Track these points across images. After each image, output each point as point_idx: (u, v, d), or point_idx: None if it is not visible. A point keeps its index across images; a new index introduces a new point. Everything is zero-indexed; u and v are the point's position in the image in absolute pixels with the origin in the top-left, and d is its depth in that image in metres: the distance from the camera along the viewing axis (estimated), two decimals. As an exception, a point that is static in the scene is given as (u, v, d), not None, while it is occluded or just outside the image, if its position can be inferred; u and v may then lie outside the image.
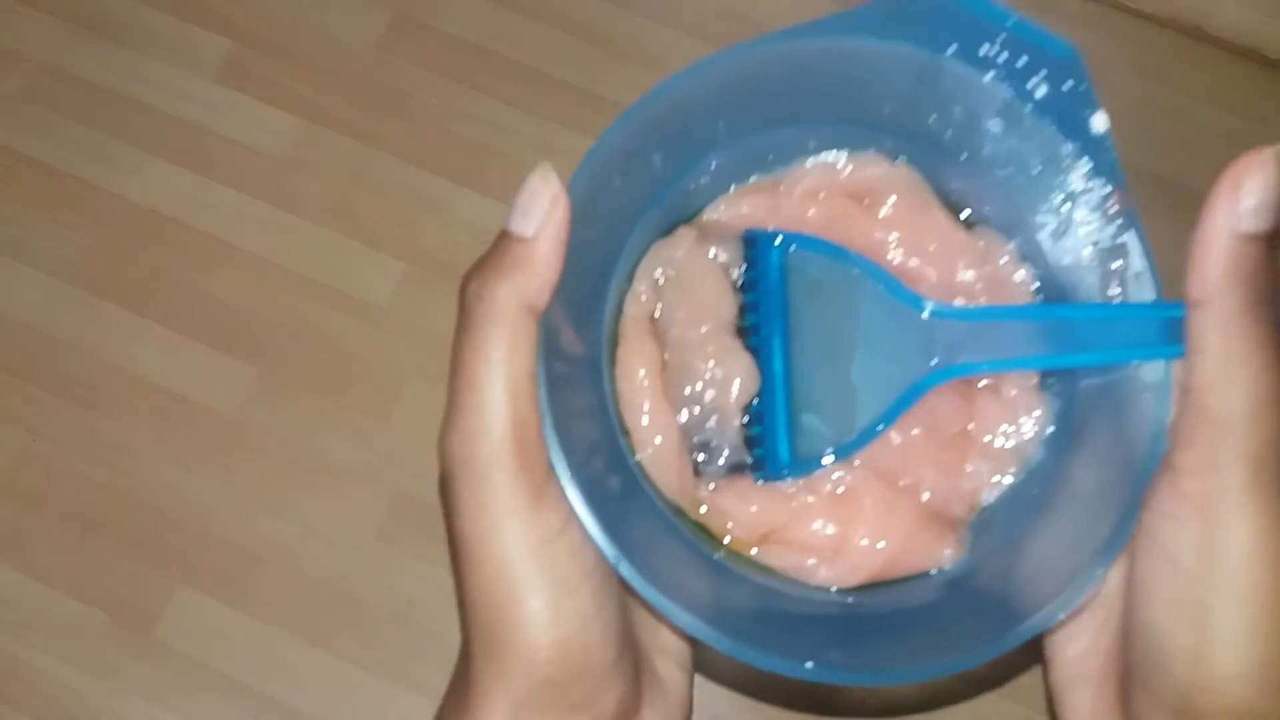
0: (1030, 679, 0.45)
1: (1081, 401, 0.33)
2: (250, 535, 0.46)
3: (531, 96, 0.51)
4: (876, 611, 0.33)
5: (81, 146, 0.51)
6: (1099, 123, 0.32)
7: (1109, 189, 0.32)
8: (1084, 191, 0.32)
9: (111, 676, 0.44)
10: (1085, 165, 0.32)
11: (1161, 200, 0.51)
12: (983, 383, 0.34)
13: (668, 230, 0.35)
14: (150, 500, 0.46)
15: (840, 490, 0.33)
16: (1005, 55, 0.32)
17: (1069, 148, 0.32)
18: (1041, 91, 0.32)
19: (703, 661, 0.35)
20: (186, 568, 0.46)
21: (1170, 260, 0.50)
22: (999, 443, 0.34)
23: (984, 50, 0.32)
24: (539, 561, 0.27)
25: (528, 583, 0.27)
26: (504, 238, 0.28)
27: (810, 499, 0.33)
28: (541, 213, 0.28)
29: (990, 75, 0.32)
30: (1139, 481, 0.29)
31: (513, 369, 0.27)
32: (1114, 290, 0.32)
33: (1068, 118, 0.32)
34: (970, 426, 0.34)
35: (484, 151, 0.51)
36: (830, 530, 0.33)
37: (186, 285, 0.49)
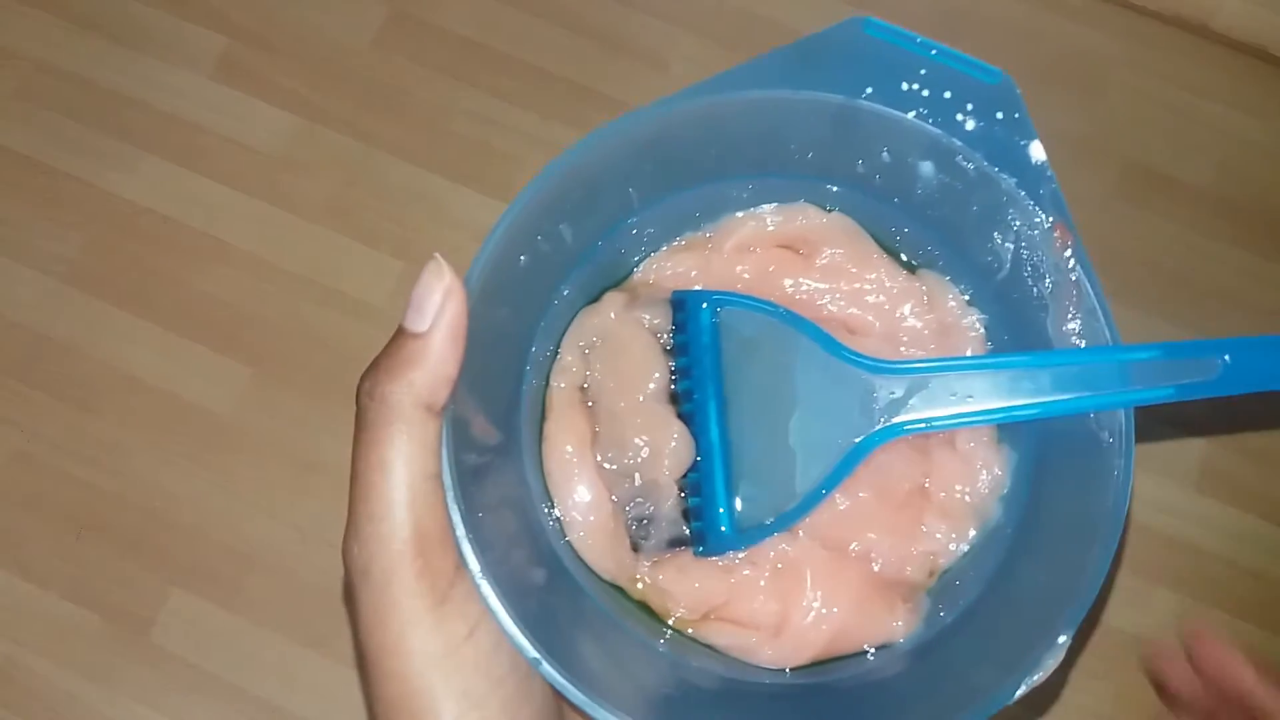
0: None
1: (1040, 453, 0.32)
2: (245, 537, 0.46)
3: (531, 93, 0.51)
4: (828, 690, 0.31)
5: (76, 144, 0.50)
6: (1036, 152, 0.31)
7: (1051, 223, 0.31)
8: (1026, 228, 0.31)
9: (106, 679, 0.44)
10: (1025, 200, 0.31)
11: (1164, 197, 0.51)
12: (936, 436, 0.33)
13: (597, 295, 0.34)
14: (145, 502, 0.46)
15: (780, 564, 0.32)
16: (928, 90, 0.31)
17: (1006, 183, 0.31)
18: (971, 125, 0.31)
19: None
20: (181, 570, 0.45)
21: (1172, 257, 0.49)
22: (956, 499, 0.33)
23: (905, 86, 0.31)
24: (443, 673, 0.26)
25: (432, 697, 0.26)
26: (398, 335, 0.27)
27: (751, 573, 0.32)
28: (434, 307, 0.27)
29: (914, 113, 0.31)
30: (1105, 539, 0.28)
31: (410, 472, 0.26)
32: (1068, 330, 0.31)
33: (1003, 149, 0.31)
34: (926, 483, 0.33)
35: (483, 149, 0.50)
36: (772, 606, 0.31)
37: (182, 284, 0.49)
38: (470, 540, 0.26)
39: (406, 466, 0.26)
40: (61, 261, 0.49)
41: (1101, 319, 0.30)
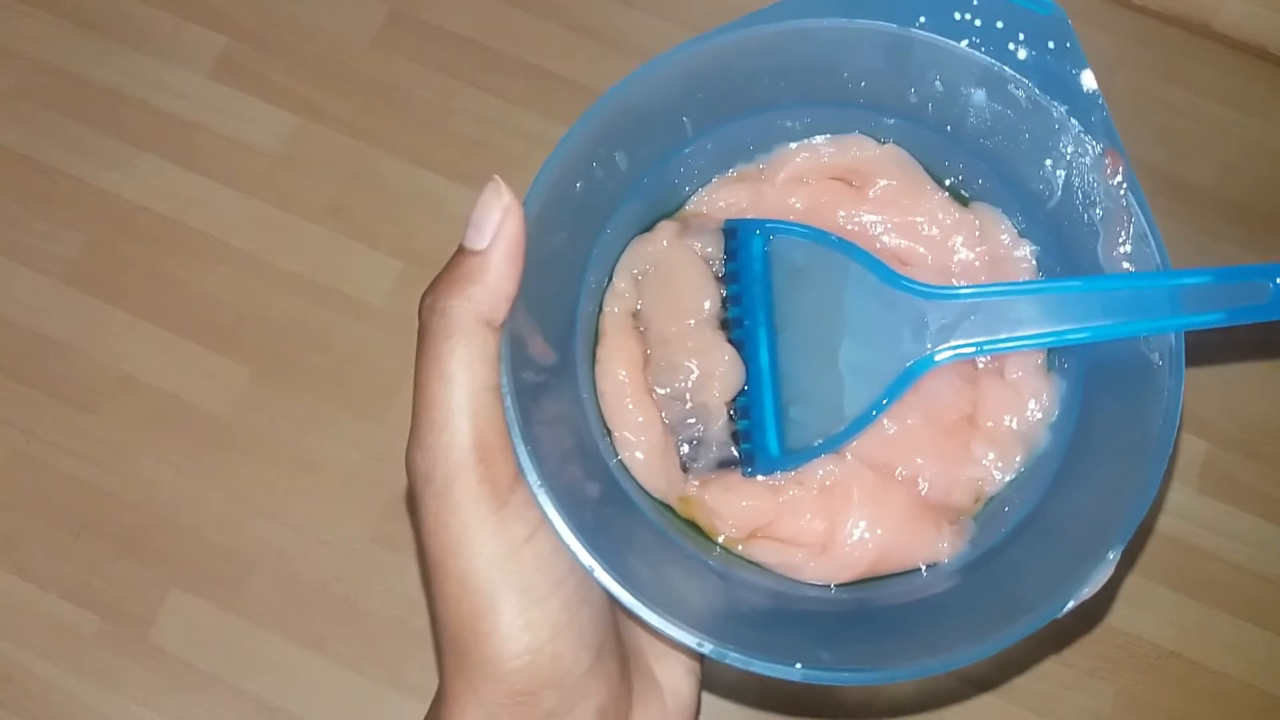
0: (1028, 680, 0.45)
1: (1089, 381, 0.32)
2: (244, 537, 0.46)
3: (530, 92, 0.51)
4: (875, 607, 0.32)
5: (75, 144, 0.50)
6: (1088, 80, 0.31)
7: (1102, 150, 0.31)
8: (1078, 155, 0.31)
9: (105, 680, 0.44)
10: (1076, 127, 0.31)
11: (1167, 197, 0.51)
12: (984, 364, 0.33)
13: (650, 225, 0.34)
14: (144, 502, 0.46)
15: (828, 483, 0.32)
16: (980, 20, 0.31)
17: (1058, 110, 0.31)
18: (1023, 54, 0.31)
19: (704, 667, 0.35)
20: (180, 570, 0.45)
21: (1176, 255, 0.49)
22: (1004, 428, 0.33)
23: (957, 16, 0.31)
24: (503, 572, 0.27)
25: (492, 594, 0.27)
26: (459, 253, 0.28)
27: (798, 492, 0.32)
28: (493, 225, 0.28)
29: (965, 42, 0.31)
30: (1156, 456, 0.28)
31: (471, 382, 0.27)
32: (1118, 254, 0.31)
33: (1054, 79, 0.31)
34: (973, 412, 0.33)
35: (482, 148, 0.50)
36: (818, 525, 0.32)
37: (180, 284, 0.48)
38: (528, 452, 0.27)
39: (467, 377, 0.27)
40: (60, 261, 0.49)
41: (1152, 244, 0.30)
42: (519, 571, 0.27)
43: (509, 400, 0.27)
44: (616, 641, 0.30)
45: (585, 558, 0.27)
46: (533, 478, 0.27)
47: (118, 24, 0.52)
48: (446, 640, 0.28)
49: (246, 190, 0.50)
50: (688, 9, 0.52)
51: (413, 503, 0.28)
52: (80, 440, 0.47)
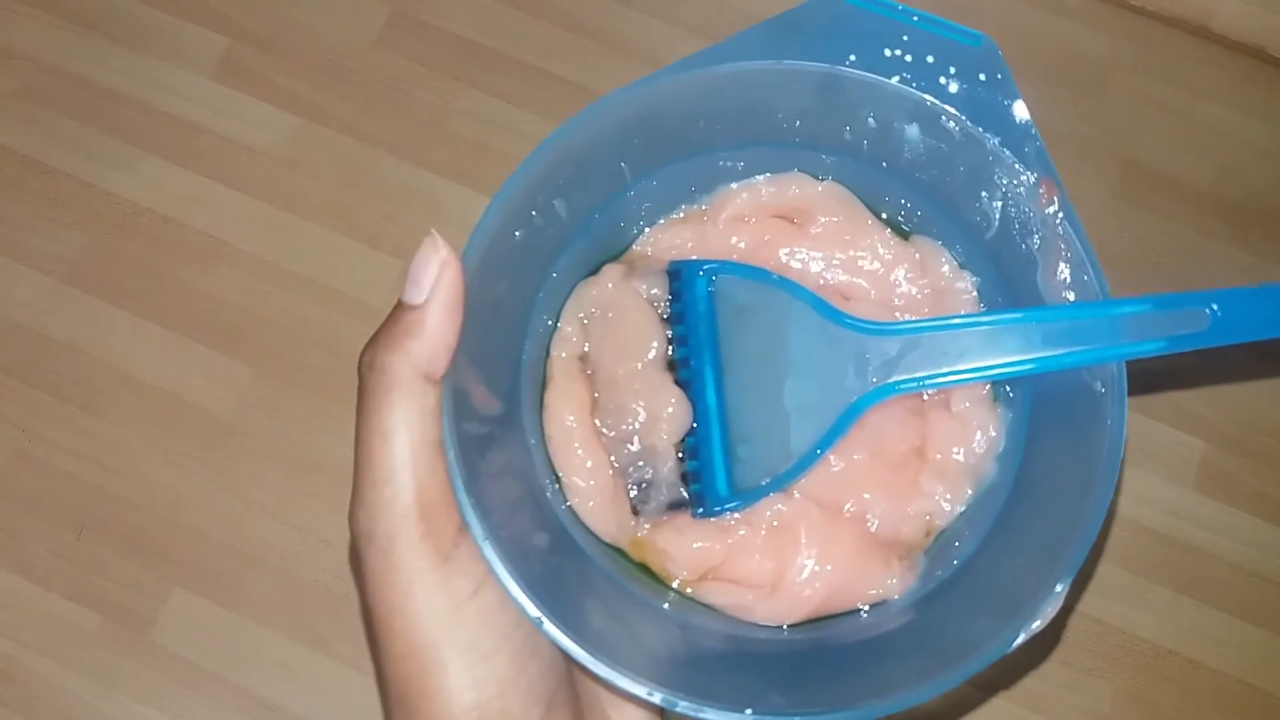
0: (1027, 679, 0.45)
1: (1035, 411, 0.32)
2: (246, 537, 0.46)
3: (530, 93, 0.51)
4: (827, 647, 0.32)
5: (77, 145, 0.50)
6: (1020, 111, 0.31)
7: (1037, 179, 0.31)
8: (1013, 186, 0.31)
9: (107, 679, 0.44)
10: (1009, 158, 0.31)
11: (1163, 197, 0.51)
12: (930, 397, 0.33)
13: (596, 268, 0.34)
14: (146, 501, 0.46)
15: (776, 523, 0.32)
16: (911, 56, 0.31)
17: (991, 142, 0.31)
18: (955, 87, 0.31)
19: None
20: (182, 569, 0.45)
21: (1172, 257, 0.49)
22: (952, 460, 0.33)
23: (888, 53, 0.31)
24: (448, 628, 0.26)
25: (438, 652, 0.26)
26: (397, 308, 0.28)
27: (747, 533, 0.32)
28: (430, 279, 0.27)
29: (897, 78, 0.31)
30: (1102, 487, 0.28)
31: (411, 438, 0.27)
32: (1057, 283, 0.31)
33: (986, 111, 0.31)
34: (921, 445, 0.33)
35: (482, 149, 0.50)
36: (768, 565, 0.32)
37: (182, 284, 0.49)
38: (472, 505, 0.27)
39: (407, 432, 0.27)
40: (62, 261, 0.49)
41: (1090, 272, 0.30)
42: (464, 627, 0.27)
43: (451, 454, 0.27)
44: (570, 692, 0.30)
45: (532, 610, 0.27)
46: (477, 531, 0.27)
47: (120, 25, 0.52)
48: (394, 698, 0.27)
49: (248, 191, 0.50)
50: (687, 10, 0.52)
51: (356, 561, 0.28)
52: (82, 440, 0.47)
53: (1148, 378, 0.48)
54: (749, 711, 0.27)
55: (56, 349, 0.48)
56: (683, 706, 0.27)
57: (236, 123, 0.51)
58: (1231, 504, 0.47)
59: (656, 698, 0.27)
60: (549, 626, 0.27)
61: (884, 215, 0.35)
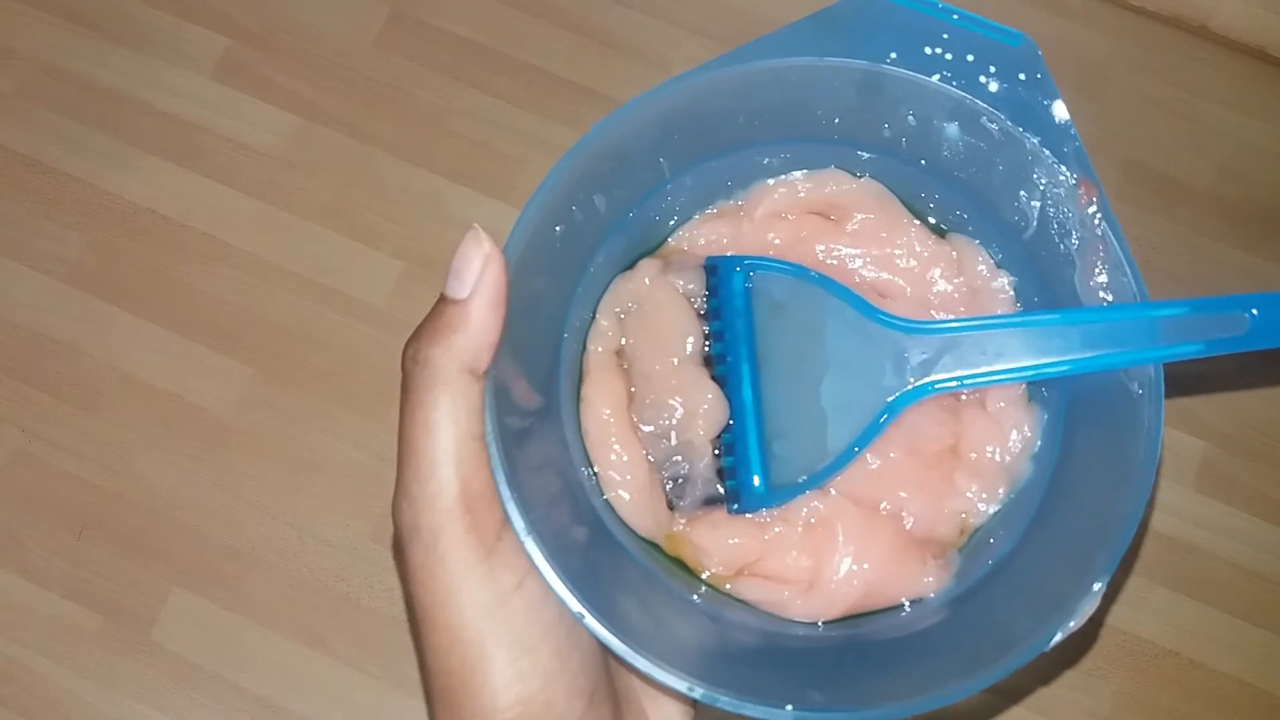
0: (1027, 680, 0.45)
1: (1070, 411, 0.32)
2: (246, 537, 0.46)
3: (531, 93, 0.51)
4: (864, 644, 0.32)
5: (77, 144, 0.50)
6: (1059, 111, 0.31)
7: (1076, 180, 0.31)
8: (1052, 186, 0.31)
9: (107, 678, 0.44)
10: (1049, 158, 0.31)
11: (1163, 197, 0.51)
12: (966, 396, 0.33)
13: (632, 263, 0.34)
14: (146, 501, 0.46)
15: (813, 520, 0.32)
16: (951, 54, 0.31)
17: (1030, 142, 0.31)
18: (995, 87, 0.31)
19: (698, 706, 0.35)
20: (182, 569, 0.45)
21: (1172, 257, 0.49)
22: (987, 459, 0.33)
23: (928, 51, 0.31)
24: (493, 622, 0.26)
25: (482, 645, 0.26)
26: (440, 301, 0.28)
27: (784, 529, 0.32)
28: (474, 274, 0.27)
29: (937, 76, 0.31)
30: (1139, 485, 0.28)
31: (455, 432, 0.27)
32: (1095, 284, 0.31)
33: (1026, 110, 0.31)
34: (956, 443, 0.33)
35: (482, 149, 0.50)
36: (804, 562, 0.32)
37: (182, 284, 0.49)
38: (515, 500, 0.27)
39: (452, 427, 0.27)
40: (62, 261, 0.49)
41: (1128, 273, 0.30)
42: (509, 621, 0.27)
43: (494, 448, 0.27)
44: (609, 685, 0.30)
45: (574, 604, 0.27)
46: (520, 525, 0.27)
47: (120, 25, 0.52)
48: (437, 691, 0.28)
49: (248, 191, 0.50)
50: (687, 10, 0.52)
51: (399, 553, 0.28)
52: (82, 440, 0.47)
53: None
54: (790, 708, 0.27)
55: (56, 349, 0.48)
56: (723, 702, 0.27)
57: (236, 123, 0.51)
58: (1231, 504, 0.47)
59: (697, 693, 0.27)
60: (590, 620, 0.27)
61: (921, 213, 0.35)
